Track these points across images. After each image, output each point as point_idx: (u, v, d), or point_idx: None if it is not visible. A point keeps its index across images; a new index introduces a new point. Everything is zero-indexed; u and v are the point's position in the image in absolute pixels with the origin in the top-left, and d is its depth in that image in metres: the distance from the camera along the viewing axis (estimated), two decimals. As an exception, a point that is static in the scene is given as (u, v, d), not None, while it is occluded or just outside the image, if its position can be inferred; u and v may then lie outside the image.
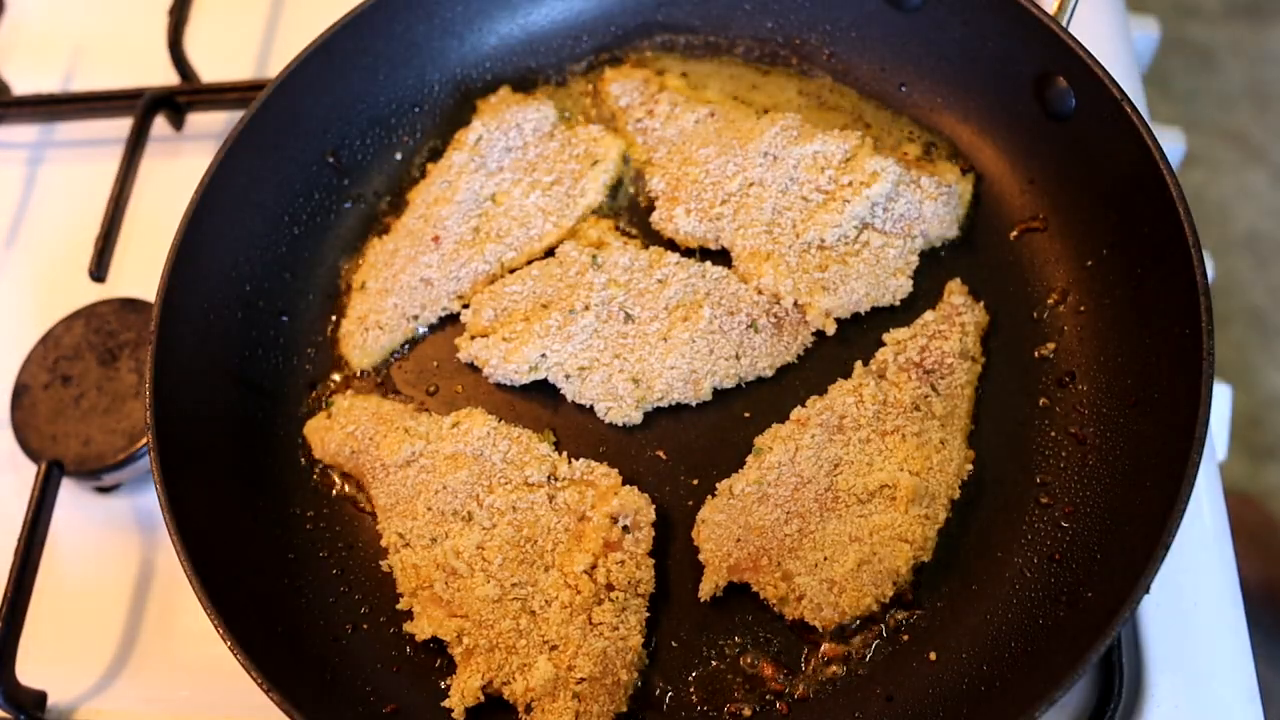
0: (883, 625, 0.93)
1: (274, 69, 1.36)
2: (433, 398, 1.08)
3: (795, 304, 1.03)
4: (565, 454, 1.01)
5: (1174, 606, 0.96)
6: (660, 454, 1.03)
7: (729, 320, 1.04)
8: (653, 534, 0.96)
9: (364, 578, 1.01)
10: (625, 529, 0.96)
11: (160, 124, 1.30)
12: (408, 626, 0.96)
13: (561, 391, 1.04)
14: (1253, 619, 0.98)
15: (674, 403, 1.03)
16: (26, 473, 1.11)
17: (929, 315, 1.02)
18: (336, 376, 1.10)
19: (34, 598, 1.04)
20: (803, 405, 1.00)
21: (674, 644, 0.96)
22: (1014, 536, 0.95)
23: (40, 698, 1.04)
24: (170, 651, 1.07)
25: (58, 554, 1.12)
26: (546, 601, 0.93)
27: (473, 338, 1.07)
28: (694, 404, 1.03)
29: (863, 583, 0.92)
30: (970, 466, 0.97)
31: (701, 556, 0.96)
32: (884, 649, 0.93)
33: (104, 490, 1.15)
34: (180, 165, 1.31)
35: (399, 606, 0.97)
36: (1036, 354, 1.01)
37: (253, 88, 1.28)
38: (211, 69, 1.33)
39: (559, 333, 1.04)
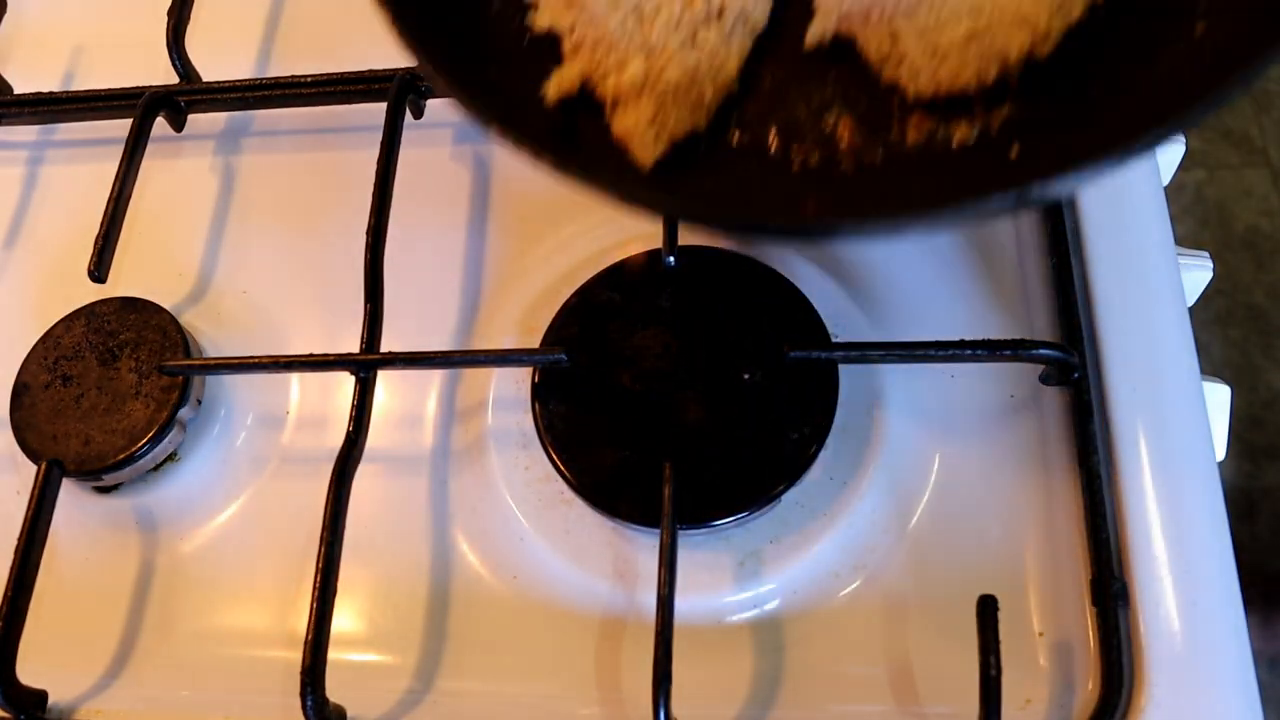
0: (977, 116, 0.84)
1: (274, 69, 1.36)
2: None
3: None
4: None
5: (1174, 606, 0.96)
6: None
7: None
8: None
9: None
10: None
11: (160, 124, 1.30)
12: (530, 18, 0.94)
13: None
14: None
15: None
16: (26, 473, 1.11)
17: None
18: None
19: (34, 598, 1.04)
20: None
21: (766, 84, 0.93)
22: (1144, 63, 0.81)
23: (40, 698, 1.04)
24: (170, 651, 1.07)
25: (58, 554, 1.12)
26: (656, 9, 0.92)
27: None
28: None
29: (968, 57, 0.84)
30: None
31: (816, 1, 0.93)
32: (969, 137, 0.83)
33: (104, 490, 1.15)
34: (180, 165, 1.31)
35: None
36: None
37: (253, 88, 1.28)
38: (211, 69, 1.33)
39: None
